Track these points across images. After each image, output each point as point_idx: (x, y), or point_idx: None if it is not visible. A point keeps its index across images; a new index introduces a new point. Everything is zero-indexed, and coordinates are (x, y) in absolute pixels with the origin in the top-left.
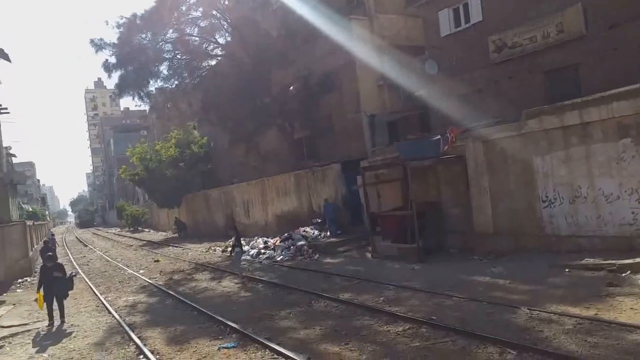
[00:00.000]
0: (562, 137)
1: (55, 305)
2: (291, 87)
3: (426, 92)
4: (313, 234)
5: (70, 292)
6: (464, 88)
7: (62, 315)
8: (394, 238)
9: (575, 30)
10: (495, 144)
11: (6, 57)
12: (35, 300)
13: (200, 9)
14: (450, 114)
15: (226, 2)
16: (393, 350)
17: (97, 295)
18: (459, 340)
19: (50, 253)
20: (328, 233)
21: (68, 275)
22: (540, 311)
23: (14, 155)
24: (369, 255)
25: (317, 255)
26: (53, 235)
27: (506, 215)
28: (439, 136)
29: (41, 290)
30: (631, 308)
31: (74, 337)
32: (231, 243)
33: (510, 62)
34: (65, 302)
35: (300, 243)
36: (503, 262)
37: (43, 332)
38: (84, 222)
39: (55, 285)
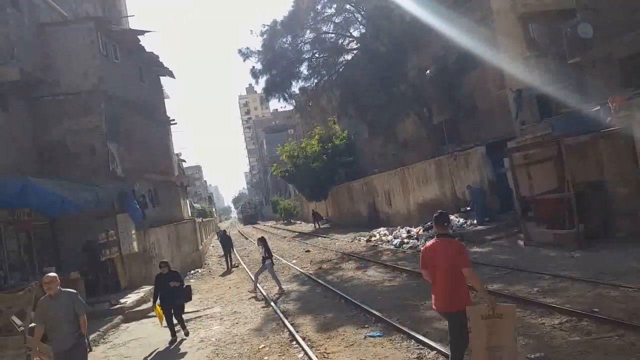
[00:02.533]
0: None
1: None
2: (427, 71)
3: (581, 60)
4: (458, 222)
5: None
6: (625, 50)
7: (183, 327)
8: (550, 223)
9: None
10: None
11: (171, 74)
12: (154, 314)
13: (335, 5)
14: (610, 81)
15: None
16: (548, 345)
17: (256, 284)
18: (627, 335)
19: (164, 260)
20: (475, 221)
21: (183, 285)
22: None
23: (184, 161)
24: (521, 242)
25: (464, 243)
26: (223, 231)
27: None
28: (598, 107)
29: (158, 302)
30: None
31: (237, 323)
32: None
33: None
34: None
35: None
36: None
37: (211, 319)
38: (247, 217)
39: (172, 295)
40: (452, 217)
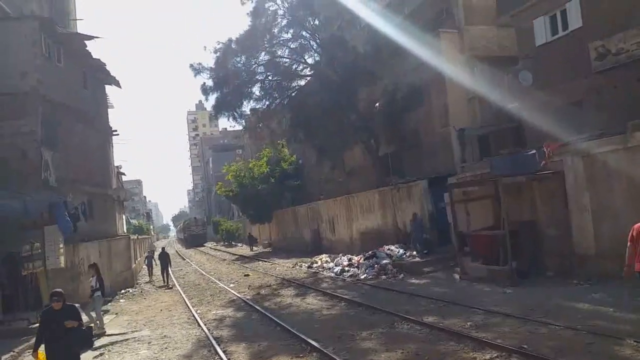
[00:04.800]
0: None
1: None
2: (377, 104)
3: (520, 105)
4: (398, 252)
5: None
6: (561, 100)
7: None
8: (484, 259)
9: None
10: (597, 158)
11: (117, 84)
12: None
13: (291, 31)
14: (546, 127)
15: (316, 22)
16: None
17: (189, 307)
18: None
19: (58, 290)
20: (414, 252)
21: (83, 325)
22: None
23: (124, 174)
24: (456, 276)
25: (402, 275)
26: (153, 252)
27: (610, 235)
28: (533, 151)
29: (41, 349)
30: None
31: (166, 348)
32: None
33: (615, 70)
34: (158, 314)
35: (384, 262)
36: (606, 287)
37: (138, 342)
38: (192, 238)
39: (66, 340)
40: (392, 247)
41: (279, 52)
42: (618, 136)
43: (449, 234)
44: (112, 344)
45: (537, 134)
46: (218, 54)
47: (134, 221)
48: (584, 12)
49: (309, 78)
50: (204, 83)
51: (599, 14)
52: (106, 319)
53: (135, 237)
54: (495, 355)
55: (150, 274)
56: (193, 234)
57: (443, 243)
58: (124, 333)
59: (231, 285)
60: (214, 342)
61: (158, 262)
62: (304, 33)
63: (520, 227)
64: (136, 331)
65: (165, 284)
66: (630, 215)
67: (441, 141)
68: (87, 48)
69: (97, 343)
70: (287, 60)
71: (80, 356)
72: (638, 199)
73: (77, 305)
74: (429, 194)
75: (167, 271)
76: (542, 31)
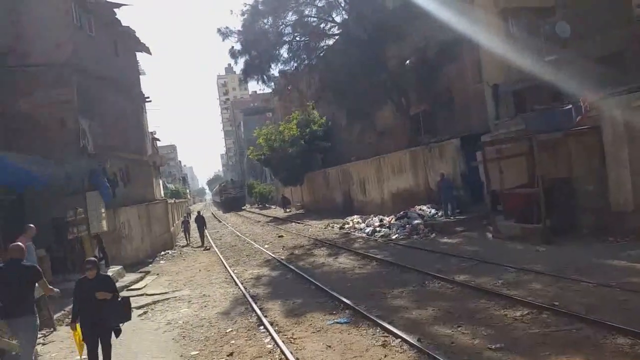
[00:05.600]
0: None
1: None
2: (407, 61)
3: (557, 58)
4: (430, 212)
5: (124, 326)
6: (600, 50)
7: None
8: (518, 217)
9: None
10: (637, 112)
11: (147, 50)
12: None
13: None
14: (585, 80)
15: None
16: (509, 336)
17: (226, 267)
18: (584, 329)
19: (94, 257)
20: (443, 213)
21: (119, 298)
22: None
23: (158, 140)
24: (489, 235)
25: (434, 234)
26: (189, 215)
27: None
28: (570, 106)
29: (77, 321)
30: None
31: (205, 306)
32: None
33: None
34: (197, 274)
35: (416, 222)
36: None
37: (179, 301)
38: (229, 202)
39: (100, 313)
40: (424, 207)
41: (306, 12)
42: None
43: (482, 193)
44: (154, 302)
45: (575, 88)
46: (245, 16)
47: (170, 185)
48: None
49: (337, 37)
50: (232, 47)
51: None
52: (147, 279)
53: (173, 201)
54: (527, 312)
55: (187, 237)
56: (230, 197)
57: (475, 202)
58: (165, 292)
59: (266, 246)
60: (250, 299)
61: (195, 225)
62: None
63: (556, 184)
64: (177, 290)
65: (203, 245)
66: None
67: (474, 98)
68: (116, 16)
69: (142, 301)
70: (315, 19)
71: (117, 330)
72: None
73: (110, 275)
74: (462, 153)
75: (204, 233)
76: None
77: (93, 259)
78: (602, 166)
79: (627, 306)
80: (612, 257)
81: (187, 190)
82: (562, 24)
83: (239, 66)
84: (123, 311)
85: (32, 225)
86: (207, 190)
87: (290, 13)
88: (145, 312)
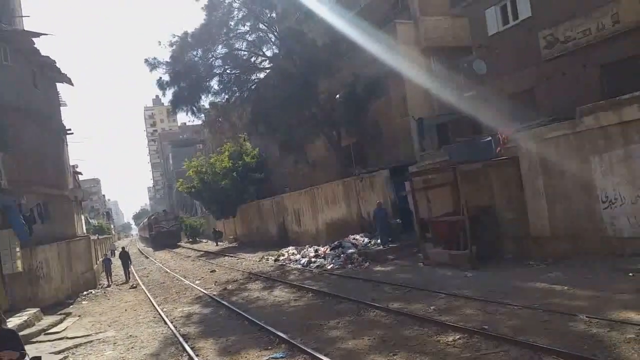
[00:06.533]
0: (620, 134)
1: None
2: (337, 95)
3: (476, 94)
4: (363, 241)
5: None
6: (514, 87)
7: None
8: (446, 244)
9: (632, 20)
10: (549, 143)
11: (69, 81)
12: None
13: (248, 24)
14: (501, 114)
15: (273, 15)
16: None
17: (155, 306)
18: (512, 350)
19: None
20: (379, 240)
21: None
22: (600, 319)
23: (80, 173)
24: (420, 262)
25: (367, 263)
26: (112, 252)
27: (564, 217)
28: (489, 138)
29: None
30: None
31: (132, 348)
32: None
33: (563, 58)
34: (123, 314)
35: (350, 251)
36: (561, 267)
37: (104, 343)
38: (163, 237)
39: None
40: (357, 236)
41: (237, 45)
42: (568, 121)
43: (412, 222)
44: (76, 346)
45: (492, 121)
46: (174, 47)
47: (93, 221)
48: (533, 2)
49: (268, 71)
50: (160, 78)
51: (547, 3)
52: (68, 321)
53: (96, 237)
54: (458, 337)
55: (109, 278)
56: (163, 231)
57: (406, 231)
58: (88, 335)
59: (197, 282)
60: (181, 339)
61: (118, 261)
62: (261, 26)
63: (479, 212)
64: (101, 332)
65: (127, 281)
66: (580, 198)
67: (401, 131)
68: (35, 46)
69: (62, 345)
70: (246, 53)
71: None
72: (587, 182)
73: (14, 330)
74: (392, 183)
75: (129, 269)
76: (494, 21)
77: None
78: (521, 195)
79: (550, 326)
80: (533, 280)
81: (112, 226)
82: (479, 62)
83: (167, 97)
84: None
85: None
86: (133, 225)
87: (220, 46)
88: (65, 357)
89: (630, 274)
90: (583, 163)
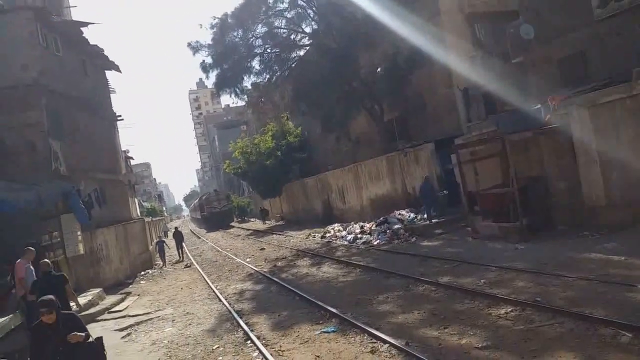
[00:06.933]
0: None
1: None
2: (378, 69)
3: (523, 60)
4: (409, 217)
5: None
6: (564, 51)
7: None
8: (495, 217)
9: None
10: (604, 108)
11: (117, 68)
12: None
13: (286, 0)
14: (550, 81)
15: None
16: (494, 335)
17: (209, 284)
18: (566, 322)
19: (46, 298)
20: (425, 215)
21: (90, 337)
22: None
23: (132, 158)
24: (468, 236)
25: (414, 238)
26: (166, 234)
27: (620, 185)
28: (539, 105)
29: None
30: None
31: (190, 324)
32: None
33: (618, 17)
34: (179, 292)
35: (396, 226)
36: (618, 237)
37: (163, 320)
38: (215, 218)
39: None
40: (402, 212)
41: (276, 23)
42: (623, 85)
43: (459, 195)
44: (137, 323)
45: (541, 88)
46: (215, 29)
47: (146, 204)
48: None
49: (308, 48)
50: (203, 60)
51: None
52: (129, 300)
53: (150, 219)
54: (510, 309)
55: (163, 259)
56: (215, 212)
57: (453, 204)
58: (147, 313)
59: (248, 259)
60: (235, 315)
61: (172, 241)
62: (299, 2)
63: (529, 182)
64: (159, 310)
65: (181, 259)
66: (638, 164)
67: (446, 102)
68: (84, 35)
69: (125, 323)
70: (285, 30)
71: None
72: None
73: (74, 313)
74: (437, 157)
75: (182, 248)
76: None
77: (49, 298)
78: (574, 163)
79: (606, 298)
80: (588, 251)
81: (164, 208)
82: (526, 27)
83: (210, 80)
84: (100, 353)
85: (31, 248)
86: (184, 207)
87: (260, 25)
88: (128, 334)
89: None
90: None
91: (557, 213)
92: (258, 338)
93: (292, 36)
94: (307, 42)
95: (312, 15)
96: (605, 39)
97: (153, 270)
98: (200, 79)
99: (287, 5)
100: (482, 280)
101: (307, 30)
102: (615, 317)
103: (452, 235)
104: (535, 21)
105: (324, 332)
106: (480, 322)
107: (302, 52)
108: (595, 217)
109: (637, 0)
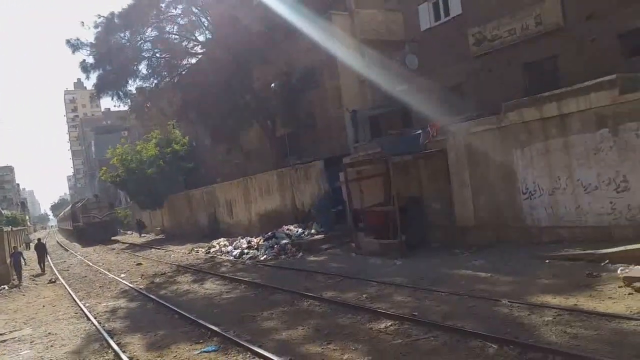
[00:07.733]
0: (541, 129)
1: None
2: (272, 84)
3: (407, 87)
4: (297, 232)
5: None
6: (444, 82)
7: None
8: (377, 234)
9: (553, 21)
10: (476, 137)
11: None
12: None
13: (180, 7)
14: (431, 108)
15: None
16: (375, 348)
17: (76, 301)
18: (441, 335)
19: None
20: (312, 230)
21: None
22: (521, 303)
23: None
24: (352, 252)
25: (301, 253)
26: (27, 245)
27: (487, 208)
28: (419, 131)
29: None
30: (609, 297)
31: (51, 346)
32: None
33: (490, 55)
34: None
35: (283, 242)
36: (485, 254)
37: (19, 342)
38: (92, 228)
39: None
40: (291, 227)
41: (168, 28)
42: (493, 116)
43: (345, 212)
44: None
45: (423, 114)
46: (99, 28)
47: (6, 212)
48: (463, 0)
49: (200, 56)
50: (84, 60)
51: (477, 2)
52: None
53: (9, 229)
54: (390, 323)
55: (19, 274)
56: (94, 222)
57: (340, 221)
58: (1, 334)
59: (122, 275)
60: (105, 334)
61: (34, 254)
62: (193, 9)
63: (409, 202)
64: (15, 330)
65: (43, 272)
66: (503, 189)
67: (336, 122)
68: None
69: None
70: (177, 37)
71: None
72: (509, 174)
73: None
74: (326, 174)
75: (44, 260)
76: (426, 16)
77: None
78: (448, 186)
79: (475, 311)
80: (459, 267)
81: (27, 217)
82: (411, 57)
83: (91, 81)
84: None
85: None
86: (51, 217)
87: (150, 29)
88: None
89: (547, 261)
90: (506, 156)
91: (433, 231)
92: (130, 359)
93: (185, 43)
94: (200, 50)
95: (206, 25)
96: (479, 74)
97: (9, 286)
98: (79, 79)
99: (180, 12)
100: (364, 295)
101: (201, 38)
102: (482, 329)
103: (338, 250)
104: (420, 53)
105: (204, 351)
106: (361, 337)
107: (194, 60)
108: (465, 236)
109: (506, 42)
